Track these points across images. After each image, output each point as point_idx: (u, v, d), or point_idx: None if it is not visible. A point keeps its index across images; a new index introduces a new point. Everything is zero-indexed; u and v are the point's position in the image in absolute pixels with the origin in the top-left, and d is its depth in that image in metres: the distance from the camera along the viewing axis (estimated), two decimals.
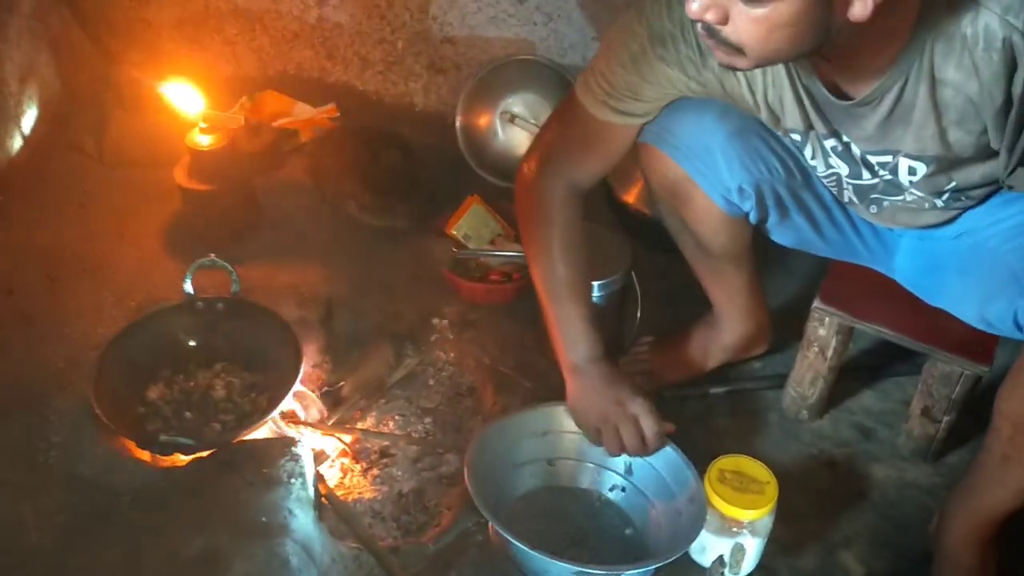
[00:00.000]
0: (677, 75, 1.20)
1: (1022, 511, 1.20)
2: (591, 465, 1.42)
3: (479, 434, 1.38)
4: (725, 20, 0.96)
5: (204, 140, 1.77)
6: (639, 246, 1.71)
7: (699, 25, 1.00)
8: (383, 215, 1.94)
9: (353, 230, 1.93)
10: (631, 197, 1.87)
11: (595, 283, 1.56)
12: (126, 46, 2.17)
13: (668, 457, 1.35)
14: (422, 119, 2.21)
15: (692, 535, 1.26)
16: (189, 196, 1.81)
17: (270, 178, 2.04)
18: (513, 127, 2.09)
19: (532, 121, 2.06)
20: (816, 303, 1.46)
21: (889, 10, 0.93)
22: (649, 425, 1.33)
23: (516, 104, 2.09)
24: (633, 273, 1.61)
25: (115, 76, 2.11)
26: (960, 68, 1.00)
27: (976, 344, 1.38)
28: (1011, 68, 0.97)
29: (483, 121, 2.10)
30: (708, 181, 1.32)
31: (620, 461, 1.40)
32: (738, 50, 0.99)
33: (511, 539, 1.22)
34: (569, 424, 1.40)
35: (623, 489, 1.40)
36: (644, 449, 1.35)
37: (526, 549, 1.21)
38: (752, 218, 1.37)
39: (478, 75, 2.08)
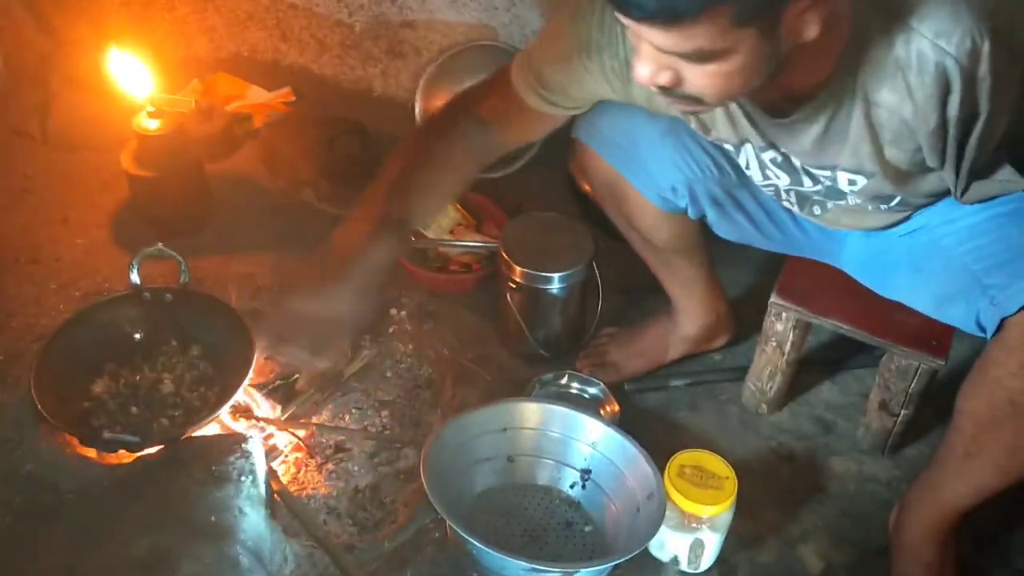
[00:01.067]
0: (602, 85, 1.17)
1: (980, 505, 1.20)
2: (551, 462, 1.40)
3: (438, 430, 1.35)
4: (679, 81, 0.94)
5: (151, 124, 1.71)
6: (602, 237, 1.69)
7: (653, 87, 0.97)
8: (340, 203, 1.90)
9: (308, 218, 1.88)
10: None
11: (556, 274, 1.54)
12: (71, 24, 2.08)
13: (628, 453, 1.34)
14: (380, 105, 2.17)
15: (650, 533, 1.24)
16: (136, 182, 1.76)
17: (222, 164, 1.99)
18: None
19: None
20: (773, 298, 1.46)
21: (825, 30, 0.92)
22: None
23: None
24: (595, 264, 1.59)
25: (60, 56, 2.04)
26: (894, 90, 1.00)
27: (932, 338, 1.38)
28: (945, 91, 0.97)
29: None
30: (640, 180, 1.32)
31: (579, 458, 1.38)
32: (697, 100, 0.97)
33: (466, 536, 1.20)
34: (530, 420, 1.38)
35: (583, 486, 1.39)
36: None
37: (481, 546, 1.19)
38: (690, 214, 1.37)
39: (438, 60, 2.04)
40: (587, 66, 1.14)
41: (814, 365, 1.64)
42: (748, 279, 1.79)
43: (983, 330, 1.15)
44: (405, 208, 1.19)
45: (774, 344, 1.50)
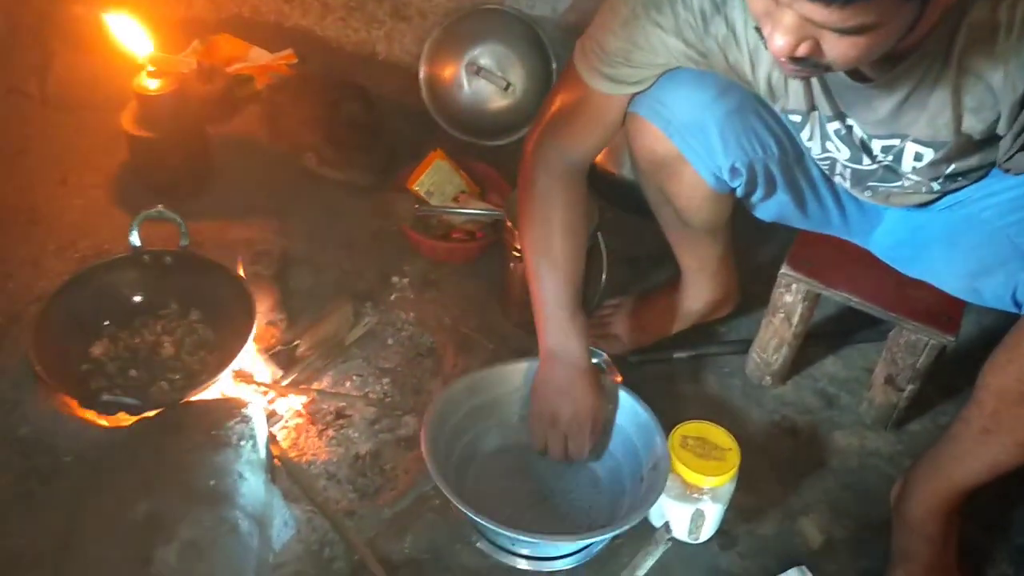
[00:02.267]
0: (674, 43, 1.13)
1: (988, 483, 1.19)
2: None
3: (447, 388, 1.36)
4: (816, 51, 0.90)
5: (152, 84, 1.68)
6: (607, 207, 1.67)
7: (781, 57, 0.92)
8: (342, 168, 1.88)
9: (311, 183, 1.86)
10: (600, 156, 1.81)
11: None
12: None
13: (640, 419, 1.33)
14: (384, 69, 2.13)
15: (648, 504, 1.24)
16: (136, 143, 1.73)
17: (223, 126, 1.96)
18: (479, 79, 2.02)
19: (499, 74, 2.00)
20: (783, 269, 1.44)
21: None
22: (576, 446, 1.34)
23: (483, 56, 2.02)
24: (600, 234, 1.57)
25: (59, 14, 2.00)
26: (989, 56, 0.96)
27: (942, 314, 1.37)
28: None
29: (448, 73, 2.03)
30: (700, 159, 1.27)
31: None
32: (825, 67, 0.93)
33: (458, 503, 1.19)
34: None
35: (594, 448, 1.38)
36: (565, 458, 1.36)
37: (470, 513, 1.19)
38: (739, 193, 1.34)
39: (443, 24, 2.00)
40: (658, 21, 1.11)
41: (819, 338, 1.63)
42: (757, 251, 1.77)
43: (1019, 306, 1.13)
44: (576, 293, 1.33)
45: (782, 316, 1.48)
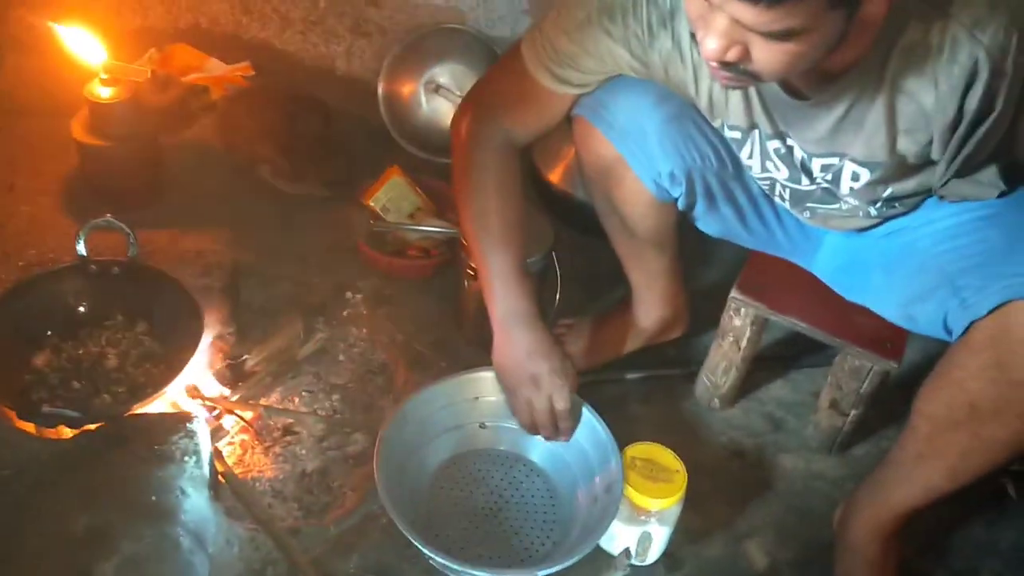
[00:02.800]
0: (620, 51, 1.16)
1: (925, 507, 1.22)
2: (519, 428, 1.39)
3: (401, 403, 1.35)
4: (745, 57, 0.92)
5: (104, 92, 1.66)
6: (561, 227, 1.68)
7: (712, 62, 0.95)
8: (298, 182, 1.87)
9: (265, 196, 1.85)
10: (555, 176, 1.83)
11: None
12: None
13: (598, 436, 1.33)
14: (343, 84, 2.13)
15: (602, 529, 1.24)
16: (86, 151, 1.71)
17: (177, 137, 1.94)
18: (438, 97, 2.03)
19: (457, 92, 2.01)
20: (733, 293, 1.46)
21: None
22: (561, 410, 1.30)
23: (442, 74, 2.03)
24: (554, 254, 1.58)
25: (10, 18, 1.97)
26: (920, 77, 0.99)
27: (886, 340, 1.40)
28: (969, 83, 0.97)
29: (407, 90, 2.03)
30: (640, 163, 1.30)
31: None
32: (752, 76, 0.95)
33: (405, 531, 1.19)
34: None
35: (554, 459, 1.39)
36: (554, 433, 1.32)
37: (418, 544, 1.18)
38: (680, 204, 1.35)
39: (404, 41, 2.01)
40: (609, 29, 1.14)
41: (767, 362, 1.65)
42: (706, 273, 1.79)
43: (949, 333, 1.15)
44: (518, 259, 1.29)
45: (731, 339, 1.50)
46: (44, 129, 1.88)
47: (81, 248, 1.47)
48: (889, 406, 1.55)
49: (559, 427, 1.32)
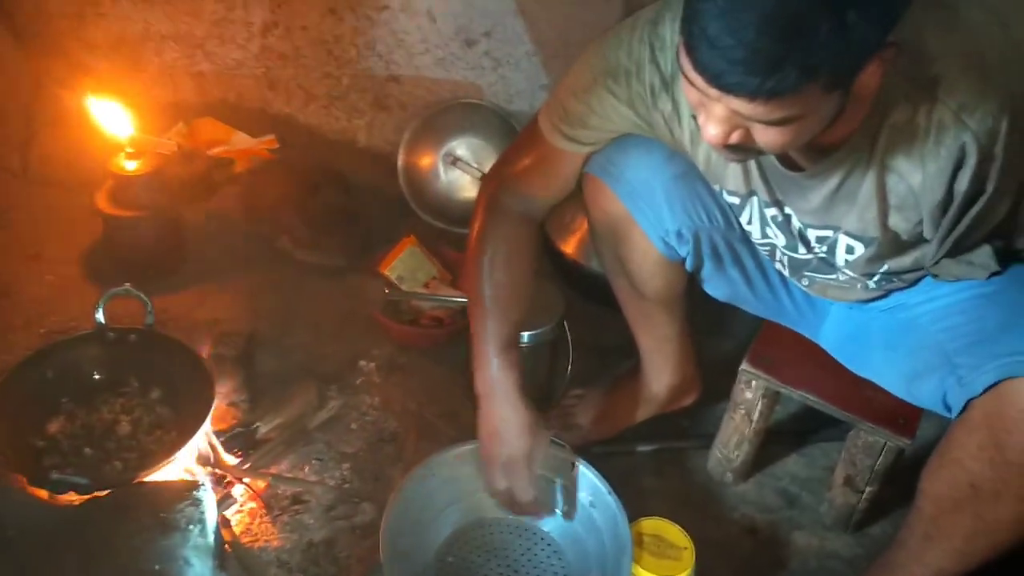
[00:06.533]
0: (625, 111, 1.19)
1: None
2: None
3: (409, 475, 1.34)
4: (748, 139, 0.94)
5: (129, 164, 1.71)
6: (574, 297, 1.69)
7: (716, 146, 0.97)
8: (316, 251, 1.90)
9: (283, 265, 1.88)
10: (569, 247, 1.85)
11: (526, 333, 1.53)
12: (60, 64, 2.10)
13: (613, 517, 1.30)
14: (364, 156, 2.18)
15: None
16: (109, 221, 1.75)
17: (200, 208, 1.99)
18: (455, 170, 2.07)
19: (475, 165, 2.05)
20: (743, 366, 1.45)
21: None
22: (518, 491, 1.29)
23: (460, 147, 2.07)
24: (566, 324, 1.58)
25: (46, 93, 2.05)
26: (908, 157, 1.00)
27: (900, 416, 1.37)
28: (957, 165, 0.97)
29: (426, 162, 2.08)
30: (648, 221, 1.31)
31: (559, 501, 1.36)
32: (758, 151, 0.97)
33: None
34: None
35: (565, 528, 1.37)
36: (521, 513, 1.32)
37: None
38: (688, 264, 1.36)
39: (423, 115, 2.06)
40: (613, 90, 1.17)
41: (781, 436, 1.63)
42: (720, 344, 1.78)
43: (949, 410, 1.14)
44: (513, 332, 1.28)
45: (742, 412, 1.48)
46: (71, 201, 1.93)
47: (100, 316, 1.49)
48: (906, 484, 1.51)
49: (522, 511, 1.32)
